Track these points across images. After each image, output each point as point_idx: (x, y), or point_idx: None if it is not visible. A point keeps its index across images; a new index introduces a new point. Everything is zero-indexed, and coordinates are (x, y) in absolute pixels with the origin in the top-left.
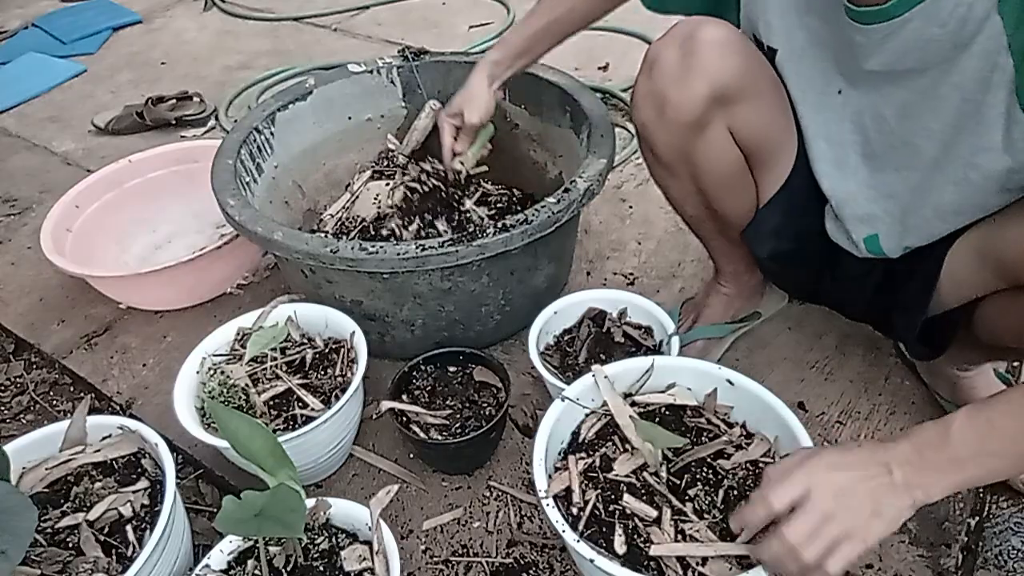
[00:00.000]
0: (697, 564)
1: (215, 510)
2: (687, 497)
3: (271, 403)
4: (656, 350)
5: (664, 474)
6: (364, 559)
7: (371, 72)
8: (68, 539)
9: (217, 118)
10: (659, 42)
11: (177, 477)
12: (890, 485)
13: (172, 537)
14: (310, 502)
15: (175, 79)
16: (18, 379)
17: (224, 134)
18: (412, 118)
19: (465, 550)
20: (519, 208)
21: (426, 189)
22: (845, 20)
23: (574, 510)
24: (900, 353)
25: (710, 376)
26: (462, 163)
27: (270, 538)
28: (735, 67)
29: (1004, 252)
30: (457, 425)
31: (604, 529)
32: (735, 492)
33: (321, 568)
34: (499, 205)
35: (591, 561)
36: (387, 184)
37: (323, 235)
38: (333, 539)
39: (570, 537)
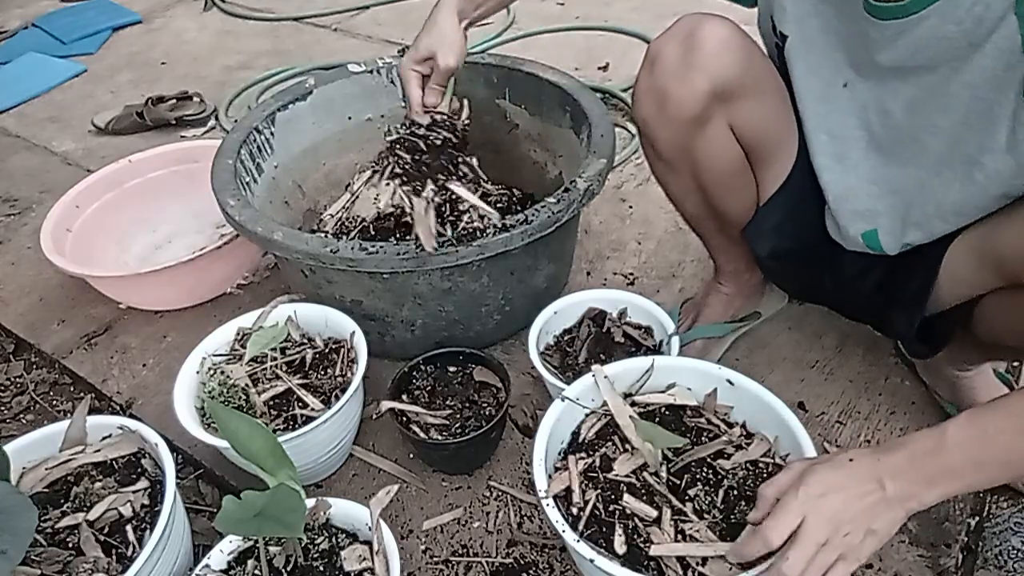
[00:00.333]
0: (697, 564)
1: (215, 510)
2: (687, 497)
3: (271, 403)
4: (656, 350)
5: (664, 474)
6: (364, 559)
7: (371, 72)
8: (68, 539)
9: (217, 118)
10: (660, 38)
11: (177, 477)
12: (884, 501)
13: (172, 537)
14: (310, 502)
15: (175, 79)
16: (18, 379)
17: (224, 134)
18: None
19: (465, 550)
20: (519, 208)
21: (437, 143)
22: (860, 13)
23: (574, 510)
24: (900, 353)
25: (710, 376)
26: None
27: (270, 538)
28: (736, 63)
29: (1003, 251)
30: (457, 425)
31: (604, 529)
32: (735, 492)
33: (321, 568)
34: (499, 205)
35: (591, 561)
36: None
37: (323, 235)
38: (333, 539)
39: (570, 537)
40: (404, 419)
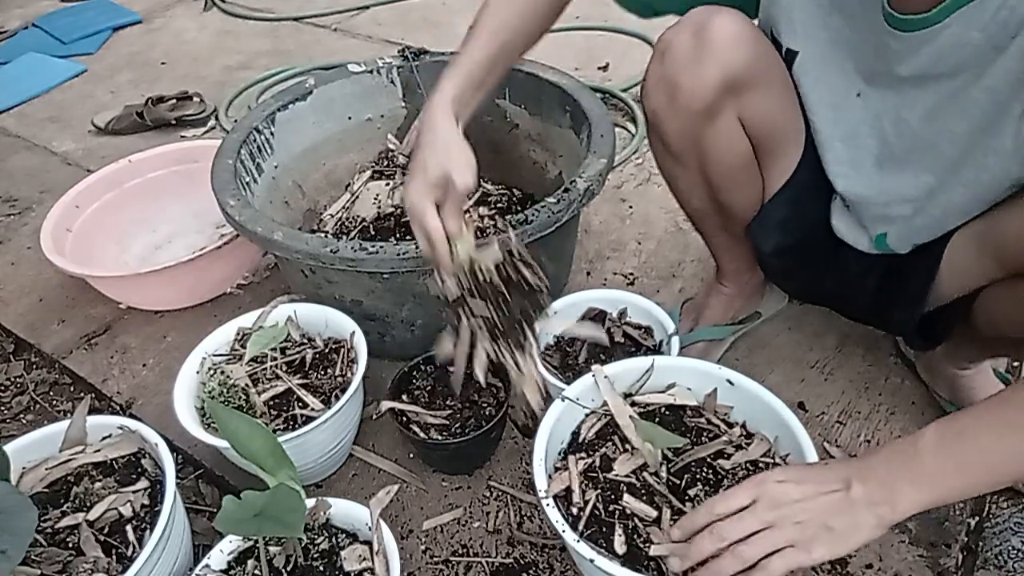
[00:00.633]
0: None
1: (215, 510)
2: (687, 497)
3: (271, 403)
4: (656, 350)
5: (664, 474)
6: (364, 559)
7: (371, 72)
8: (68, 539)
9: (217, 118)
10: (672, 29)
11: (177, 477)
12: (845, 500)
13: (172, 537)
14: (310, 502)
15: (175, 79)
16: (18, 379)
17: (224, 134)
18: (412, 118)
19: (465, 550)
20: (519, 208)
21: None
22: (880, 26)
23: (574, 510)
24: (900, 353)
25: (710, 376)
26: (469, 254)
27: (270, 538)
28: (748, 55)
29: (1003, 240)
30: (457, 425)
31: (604, 529)
32: None
33: (321, 568)
34: (499, 205)
35: (591, 561)
36: (387, 184)
37: (323, 235)
38: (333, 539)
39: (570, 537)
40: (404, 419)
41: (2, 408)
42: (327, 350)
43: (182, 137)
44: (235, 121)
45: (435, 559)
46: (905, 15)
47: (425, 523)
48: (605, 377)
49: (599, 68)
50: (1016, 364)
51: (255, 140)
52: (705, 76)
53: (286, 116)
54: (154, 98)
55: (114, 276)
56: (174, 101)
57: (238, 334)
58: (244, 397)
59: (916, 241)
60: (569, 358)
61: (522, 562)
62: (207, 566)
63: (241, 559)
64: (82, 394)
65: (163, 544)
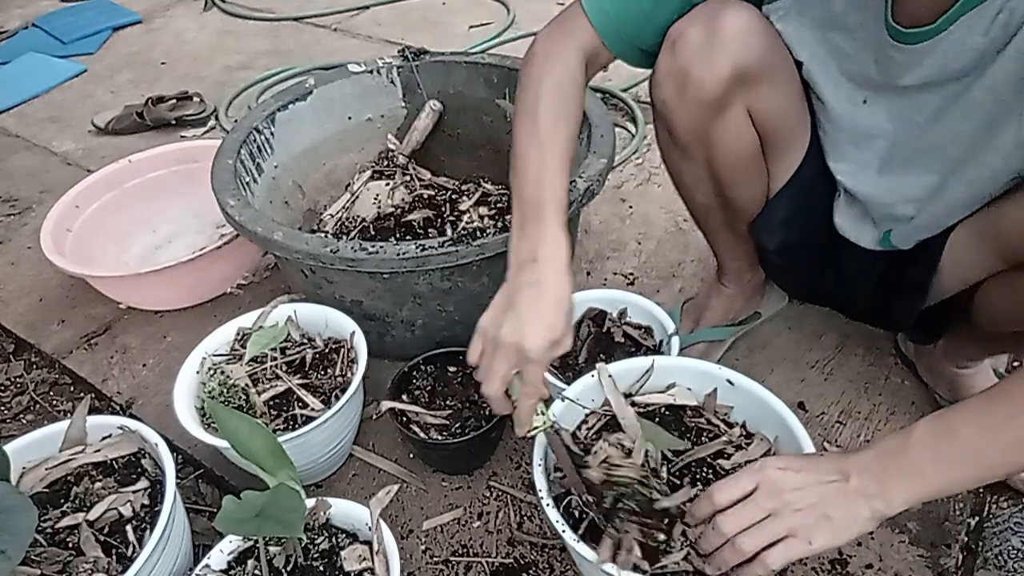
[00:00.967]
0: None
1: (215, 510)
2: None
3: (271, 403)
4: (656, 350)
5: (664, 474)
6: (364, 559)
7: (371, 72)
8: (68, 539)
9: (217, 118)
10: (683, 20)
11: (177, 477)
12: (843, 490)
13: (172, 537)
14: (310, 502)
15: (175, 79)
16: (18, 379)
17: (224, 134)
18: (412, 118)
19: (465, 550)
20: None
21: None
22: (881, 39)
23: (575, 512)
24: (900, 353)
25: (710, 376)
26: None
27: (270, 538)
28: (758, 48)
29: (1003, 231)
30: (457, 425)
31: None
32: None
33: (321, 568)
34: (499, 205)
35: (591, 561)
36: (387, 184)
37: (323, 235)
38: (333, 539)
39: (570, 537)
40: (404, 419)
41: (2, 408)
42: (327, 350)
43: (182, 137)
44: (235, 121)
45: (435, 559)
46: (909, 28)
47: (425, 523)
48: (609, 376)
49: None
50: (1016, 363)
51: (255, 140)
52: (715, 68)
53: (286, 116)
54: (154, 98)
55: (114, 276)
56: (174, 101)
57: (238, 334)
58: (244, 397)
59: (919, 238)
60: (569, 358)
61: (522, 562)
62: (207, 566)
63: (241, 559)
64: (82, 394)
65: (163, 544)
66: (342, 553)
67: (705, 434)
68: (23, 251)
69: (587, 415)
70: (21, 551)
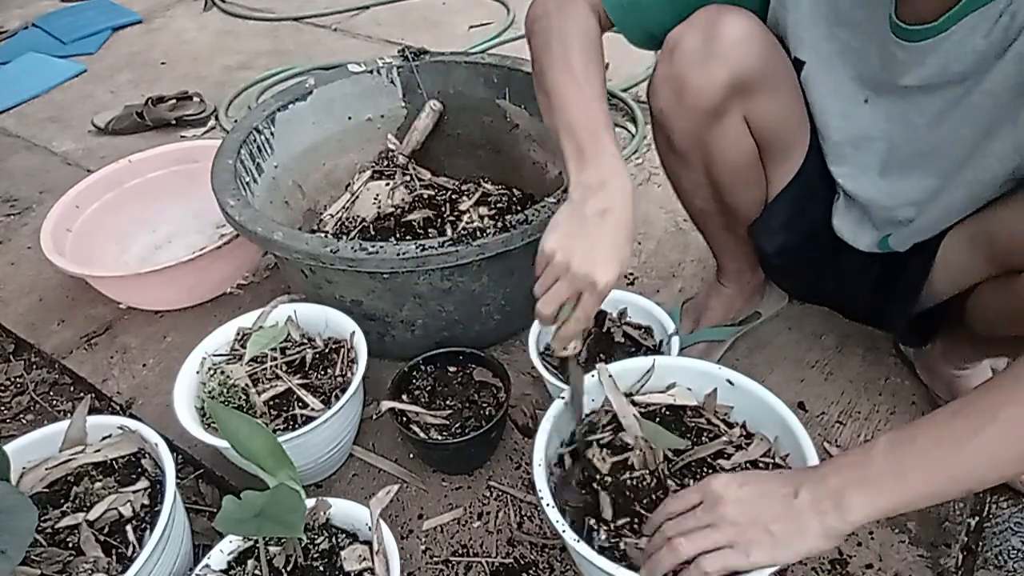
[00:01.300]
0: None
1: (215, 510)
2: None
3: (271, 403)
4: (656, 350)
5: (664, 474)
6: (364, 559)
7: (371, 72)
8: (68, 539)
9: (217, 118)
10: (680, 27)
11: (177, 477)
12: (788, 506)
13: (172, 537)
14: (310, 502)
15: (175, 79)
16: (18, 379)
17: (224, 134)
18: (412, 118)
19: (465, 550)
20: (519, 208)
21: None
22: (886, 36)
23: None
24: (900, 353)
25: (710, 376)
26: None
27: (270, 538)
28: (756, 55)
29: (995, 236)
30: (457, 425)
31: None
32: None
33: (321, 568)
34: (499, 205)
35: (591, 561)
36: (387, 184)
37: (323, 235)
38: (333, 539)
39: (570, 537)
40: (404, 419)
41: (2, 408)
42: (327, 350)
43: (182, 137)
44: (235, 121)
45: (435, 559)
46: (912, 26)
47: (425, 523)
48: (609, 376)
49: None
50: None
51: (255, 140)
52: (713, 75)
53: (286, 116)
54: (154, 98)
55: (114, 276)
56: (174, 101)
57: (238, 334)
58: (244, 397)
59: (915, 240)
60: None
61: (522, 562)
62: (207, 566)
63: (241, 559)
64: (82, 394)
65: (163, 544)
66: (342, 553)
67: (705, 434)
68: (23, 251)
69: (587, 415)
70: (21, 551)
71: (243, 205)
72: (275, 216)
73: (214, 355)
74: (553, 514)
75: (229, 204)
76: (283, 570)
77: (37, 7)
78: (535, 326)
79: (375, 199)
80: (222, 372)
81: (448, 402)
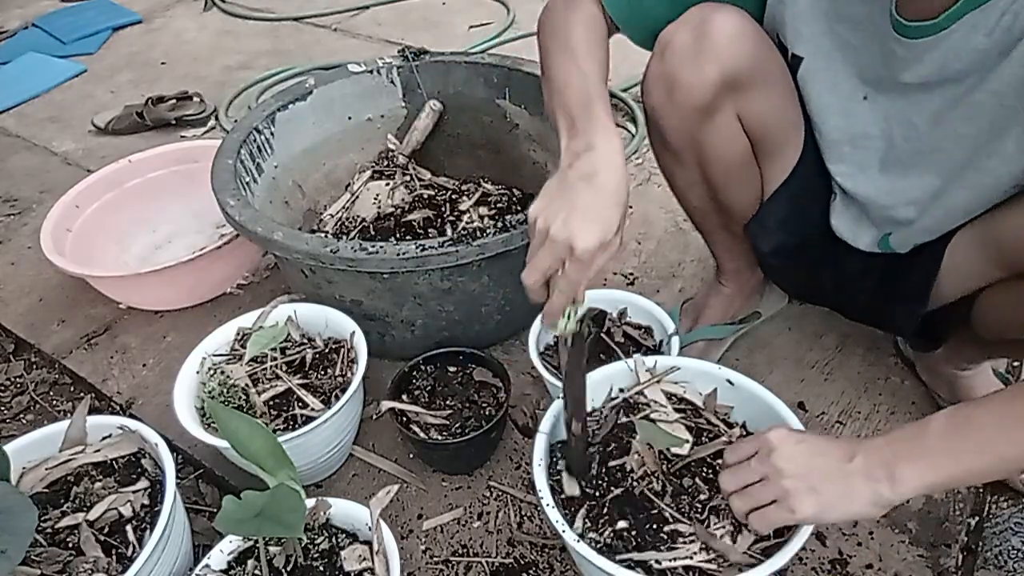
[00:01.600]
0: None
1: (215, 510)
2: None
3: (271, 403)
4: (656, 350)
5: (664, 474)
6: (364, 559)
7: (371, 72)
8: (68, 539)
9: (217, 118)
10: (672, 26)
11: (177, 477)
12: (840, 469)
13: (172, 537)
14: (310, 502)
15: (175, 79)
16: (18, 379)
17: (224, 134)
18: (412, 118)
19: (465, 550)
20: (519, 208)
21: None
22: (885, 32)
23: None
24: (900, 353)
25: (710, 376)
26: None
27: (270, 538)
28: (748, 53)
29: (1003, 241)
30: (457, 425)
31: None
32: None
33: (321, 568)
34: (499, 205)
35: (591, 561)
36: (387, 184)
37: (323, 235)
38: (333, 539)
39: (570, 537)
40: (404, 419)
41: (2, 408)
42: (327, 350)
43: (182, 137)
44: (235, 121)
45: (435, 559)
46: (912, 22)
47: (425, 523)
48: (646, 367)
49: None
50: (1016, 364)
51: (255, 140)
52: (704, 73)
53: (286, 116)
54: (154, 98)
55: (114, 276)
56: (174, 101)
57: (238, 334)
58: (244, 397)
59: (917, 242)
60: None
61: (522, 562)
62: (207, 566)
63: (241, 559)
64: (82, 394)
65: (163, 544)
66: (342, 553)
67: (705, 434)
68: (23, 251)
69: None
70: (21, 551)
71: (243, 205)
72: (275, 216)
73: (214, 355)
74: (553, 514)
75: (229, 204)
76: (283, 570)
77: (37, 7)
78: (535, 326)
79: (375, 199)
80: (222, 372)
81: (448, 402)
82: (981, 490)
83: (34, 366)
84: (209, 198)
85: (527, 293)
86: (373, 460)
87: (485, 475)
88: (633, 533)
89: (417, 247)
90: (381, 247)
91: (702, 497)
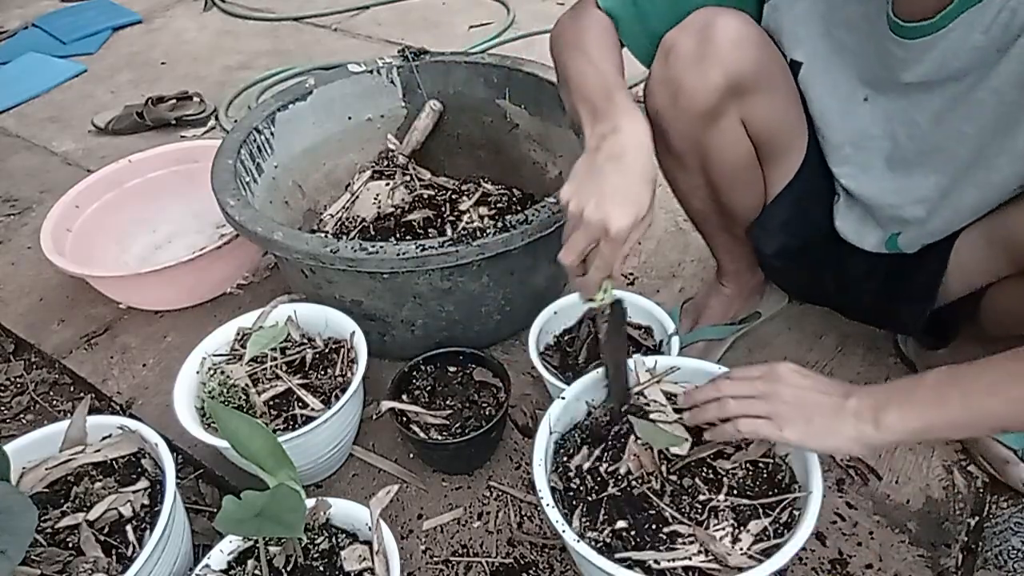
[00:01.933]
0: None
1: (215, 510)
2: (687, 495)
3: (271, 403)
4: (656, 350)
5: (663, 474)
6: (364, 559)
7: (371, 72)
8: (68, 539)
9: (217, 118)
10: (676, 30)
11: (177, 477)
12: (835, 405)
13: (172, 537)
14: (310, 502)
15: (175, 79)
16: (18, 379)
17: (224, 134)
18: (412, 118)
19: (465, 550)
20: (519, 208)
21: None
22: (883, 33)
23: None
24: (900, 353)
25: (710, 376)
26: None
27: (270, 538)
28: (751, 58)
29: (1013, 236)
30: (457, 425)
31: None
32: (735, 492)
33: (321, 568)
34: (499, 205)
35: (591, 561)
36: (387, 184)
37: (323, 235)
38: (333, 539)
39: (570, 537)
40: (404, 419)
41: (2, 408)
42: (327, 350)
43: (182, 137)
44: (235, 121)
45: (435, 559)
46: (909, 22)
47: (425, 523)
48: (647, 368)
49: None
50: None
51: (255, 140)
52: (708, 77)
53: (286, 116)
54: (154, 98)
55: (114, 276)
56: (174, 101)
57: (238, 334)
58: (244, 397)
59: (926, 241)
60: (569, 358)
61: (522, 562)
62: (207, 566)
63: (241, 559)
64: (82, 394)
65: (163, 544)
66: (342, 553)
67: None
68: (23, 251)
69: (587, 415)
70: (21, 551)
71: (243, 205)
72: (275, 216)
73: (214, 355)
74: (553, 514)
75: (229, 204)
76: (283, 570)
77: (37, 7)
78: (535, 326)
79: (375, 199)
80: (222, 372)
81: (448, 402)
82: (981, 490)
83: (34, 366)
84: (209, 198)
85: (565, 271)
86: (373, 460)
87: (485, 475)
88: (632, 533)
89: (417, 247)
90: (381, 247)
91: (702, 497)
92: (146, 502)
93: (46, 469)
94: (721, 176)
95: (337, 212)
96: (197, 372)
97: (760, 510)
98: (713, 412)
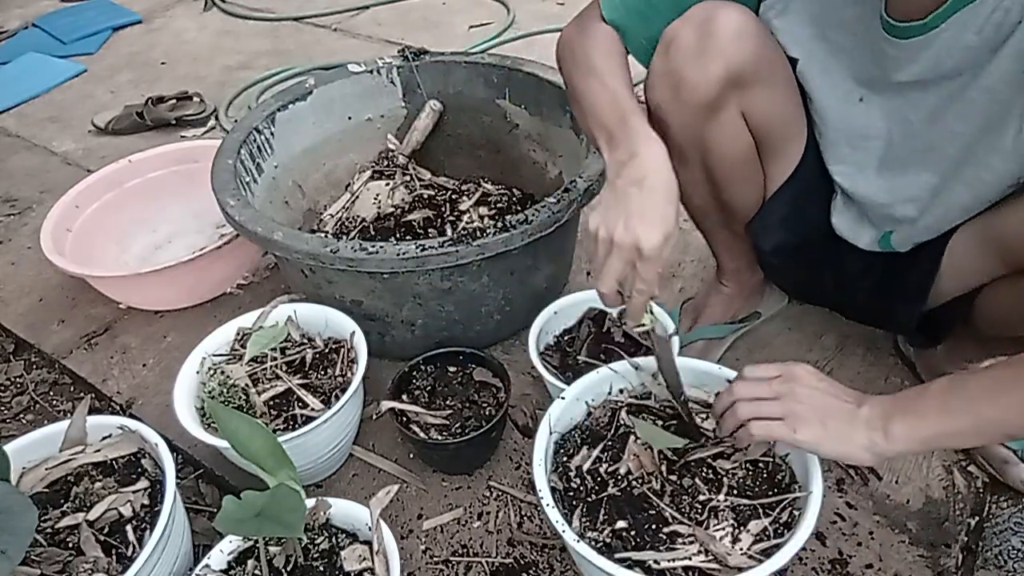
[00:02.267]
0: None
1: (215, 510)
2: (687, 495)
3: (271, 403)
4: None
5: (664, 474)
6: (364, 559)
7: (371, 72)
8: (68, 539)
9: (217, 118)
10: (676, 23)
11: (177, 477)
12: (849, 411)
13: (172, 537)
14: (310, 502)
15: (175, 79)
16: (18, 379)
17: (224, 134)
18: (412, 118)
19: (465, 550)
20: (519, 208)
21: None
22: (877, 34)
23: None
24: (900, 353)
25: (710, 376)
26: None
27: (270, 538)
28: (752, 50)
29: (1006, 237)
30: (457, 425)
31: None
32: (735, 492)
33: (321, 568)
34: (499, 205)
35: (591, 561)
36: (387, 184)
37: (323, 235)
38: (333, 539)
39: (570, 537)
40: (404, 419)
41: (2, 408)
42: (327, 350)
43: (182, 137)
44: (235, 121)
45: (435, 559)
46: (903, 22)
47: (425, 523)
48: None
49: None
50: None
51: (255, 140)
52: (709, 70)
53: (286, 116)
54: (154, 98)
55: (114, 276)
56: (174, 101)
57: (238, 334)
58: (244, 397)
59: (918, 240)
60: (569, 358)
61: (522, 562)
62: (207, 566)
63: (241, 559)
64: (82, 394)
65: (163, 544)
66: (342, 553)
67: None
68: (23, 251)
69: (587, 415)
70: (21, 551)
71: (243, 205)
72: (275, 216)
73: (214, 355)
74: (553, 514)
75: (229, 204)
76: (283, 570)
77: (37, 7)
78: (535, 326)
79: (375, 199)
80: (222, 372)
81: (448, 402)
82: (981, 490)
83: (34, 366)
84: (209, 198)
85: (603, 302)
86: (373, 460)
87: (485, 475)
88: (632, 533)
89: (417, 247)
90: (381, 247)
91: (702, 497)
92: (146, 502)
93: (46, 469)
94: (721, 170)
95: (337, 212)
96: (197, 372)
97: (760, 510)
98: (730, 424)
